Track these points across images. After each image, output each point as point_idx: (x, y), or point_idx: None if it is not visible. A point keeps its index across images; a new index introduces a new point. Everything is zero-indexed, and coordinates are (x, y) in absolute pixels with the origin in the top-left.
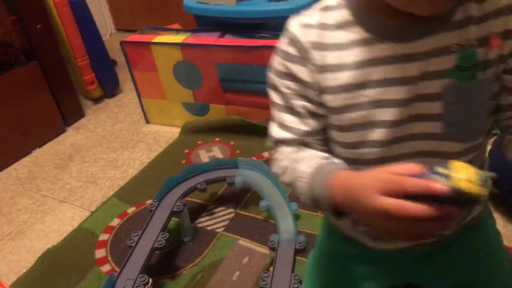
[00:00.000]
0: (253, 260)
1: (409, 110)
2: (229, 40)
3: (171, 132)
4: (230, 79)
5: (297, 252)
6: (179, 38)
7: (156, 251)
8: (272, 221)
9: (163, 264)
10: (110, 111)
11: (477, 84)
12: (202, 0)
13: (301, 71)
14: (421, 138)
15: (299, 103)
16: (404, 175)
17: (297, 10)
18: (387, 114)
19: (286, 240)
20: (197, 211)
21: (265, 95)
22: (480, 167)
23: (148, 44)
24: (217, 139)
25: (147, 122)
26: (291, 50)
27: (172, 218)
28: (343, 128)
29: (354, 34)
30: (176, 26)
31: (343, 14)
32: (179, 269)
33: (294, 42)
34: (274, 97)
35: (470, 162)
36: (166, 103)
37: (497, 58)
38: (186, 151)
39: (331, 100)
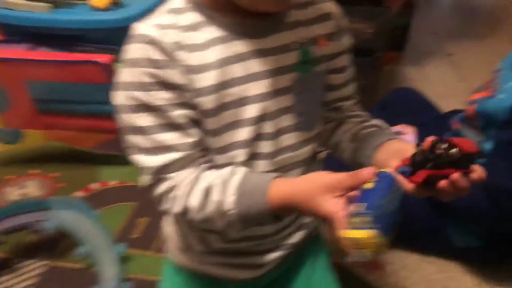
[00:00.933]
0: None
1: (273, 104)
2: (43, 53)
3: None
4: (47, 99)
5: None
6: None
7: None
8: (94, 270)
9: None
10: None
11: (313, 76)
12: (8, 6)
13: (173, 75)
14: (288, 131)
15: (178, 113)
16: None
17: (123, 21)
18: (253, 111)
19: None
20: None
21: (93, 116)
22: (314, 158)
23: None
24: (34, 171)
25: None
26: (154, 54)
27: None
28: (215, 132)
29: (210, 33)
30: None
31: (194, 17)
32: None
33: (155, 45)
34: (141, 119)
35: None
36: None
37: (325, 55)
38: None
39: (202, 102)
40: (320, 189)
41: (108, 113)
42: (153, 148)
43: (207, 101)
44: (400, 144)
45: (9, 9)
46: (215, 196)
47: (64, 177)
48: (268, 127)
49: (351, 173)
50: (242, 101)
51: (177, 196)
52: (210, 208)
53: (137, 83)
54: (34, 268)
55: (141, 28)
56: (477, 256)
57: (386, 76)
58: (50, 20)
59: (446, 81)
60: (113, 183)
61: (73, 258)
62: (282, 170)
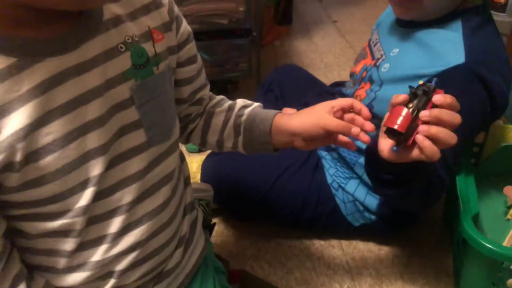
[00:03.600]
0: None
1: (112, 127)
2: None
3: None
4: None
5: None
6: None
7: None
8: None
9: None
10: None
11: (156, 78)
12: None
13: None
14: (131, 155)
15: None
16: None
17: None
18: (90, 141)
19: None
20: None
21: None
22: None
23: None
24: None
25: None
26: None
27: None
28: (46, 180)
29: None
30: None
31: None
32: None
33: None
34: None
35: (177, 157)
36: None
37: (166, 50)
38: None
39: (7, 156)
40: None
41: None
42: None
43: (21, 152)
44: (282, 119)
45: None
46: None
47: None
48: (116, 155)
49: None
50: (70, 136)
51: None
52: None
53: None
54: None
55: None
56: (375, 231)
57: (275, 53)
58: None
59: (335, 49)
60: None
61: None
62: (151, 189)
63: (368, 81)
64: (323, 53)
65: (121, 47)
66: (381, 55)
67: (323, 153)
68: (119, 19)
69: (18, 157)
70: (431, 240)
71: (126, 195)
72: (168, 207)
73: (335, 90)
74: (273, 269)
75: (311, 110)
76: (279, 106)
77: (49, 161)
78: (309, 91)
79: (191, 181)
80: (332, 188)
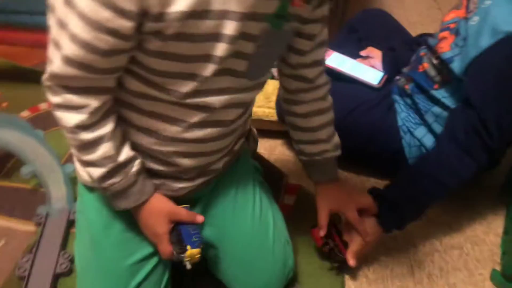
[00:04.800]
0: (11, 242)
1: (233, 47)
2: None
3: None
4: None
5: (72, 223)
6: None
7: None
8: (43, 191)
9: None
10: None
11: (282, 33)
12: None
13: None
14: (230, 74)
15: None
16: None
17: None
18: (215, 49)
19: (57, 210)
20: None
21: (38, 30)
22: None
23: None
24: None
25: None
26: None
27: None
28: (167, 57)
29: None
30: None
31: None
32: None
33: None
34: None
35: (254, 97)
36: None
37: (296, 16)
38: None
39: (165, 28)
40: (163, 212)
41: None
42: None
43: (173, 29)
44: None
45: None
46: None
47: (7, 96)
48: (221, 67)
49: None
50: (207, 36)
51: (90, 126)
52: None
53: None
54: None
55: None
56: None
57: (361, 3)
58: None
59: (421, 8)
60: None
61: (20, 179)
62: (223, 108)
63: (454, 33)
64: (409, 11)
65: None
66: (475, 7)
67: (397, 98)
68: None
69: (171, 31)
70: (483, 199)
71: (214, 101)
72: (233, 124)
73: (421, 40)
74: None
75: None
76: (362, 47)
77: (185, 46)
78: (396, 37)
79: (267, 102)
80: (400, 131)
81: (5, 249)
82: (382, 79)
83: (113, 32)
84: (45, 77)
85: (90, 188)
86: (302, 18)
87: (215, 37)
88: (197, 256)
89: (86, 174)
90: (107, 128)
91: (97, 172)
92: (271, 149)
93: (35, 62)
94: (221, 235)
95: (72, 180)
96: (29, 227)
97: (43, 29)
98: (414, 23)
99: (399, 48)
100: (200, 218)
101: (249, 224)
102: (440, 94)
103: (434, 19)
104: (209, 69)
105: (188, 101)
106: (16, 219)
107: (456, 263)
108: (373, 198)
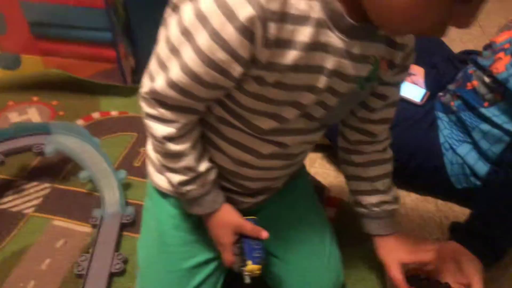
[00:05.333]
0: (70, 242)
1: (318, 98)
2: None
3: None
4: (42, 23)
5: (124, 227)
6: None
7: None
8: (97, 194)
9: None
10: None
11: (364, 92)
12: None
13: (257, 38)
14: (308, 118)
15: (238, 69)
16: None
17: None
18: (302, 98)
19: (111, 214)
20: (0, 189)
21: (92, 44)
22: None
23: None
24: (35, 98)
25: None
26: (247, 12)
27: None
28: (259, 98)
29: (313, 11)
30: None
31: None
32: None
33: (256, 5)
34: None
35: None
36: None
37: (378, 78)
38: None
39: (266, 75)
40: (230, 224)
41: (106, 40)
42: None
43: (273, 78)
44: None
45: None
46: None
47: (63, 105)
48: (304, 111)
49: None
50: (301, 87)
51: (177, 139)
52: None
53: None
54: (37, 190)
55: None
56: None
57: None
58: None
59: None
60: (113, 113)
61: (76, 182)
62: (294, 145)
63: (509, 54)
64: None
65: (371, 60)
66: None
67: (440, 115)
68: (384, 40)
69: (271, 80)
70: None
71: (287, 140)
72: (300, 156)
73: (468, 58)
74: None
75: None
76: None
77: (277, 92)
78: (437, 53)
79: None
80: (442, 148)
81: (64, 248)
82: (424, 96)
83: (223, 72)
84: (144, 90)
85: (163, 194)
86: (381, 80)
87: (308, 88)
88: (257, 272)
89: (164, 178)
90: (191, 142)
91: (177, 178)
92: (311, 162)
93: (88, 73)
94: (282, 246)
95: (124, 186)
96: (85, 228)
97: (95, 43)
98: (454, 39)
99: (442, 65)
100: (264, 234)
101: (309, 237)
102: (491, 112)
103: (474, 36)
104: (292, 113)
105: (265, 137)
106: (74, 220)
107: None
108: (459, 234)
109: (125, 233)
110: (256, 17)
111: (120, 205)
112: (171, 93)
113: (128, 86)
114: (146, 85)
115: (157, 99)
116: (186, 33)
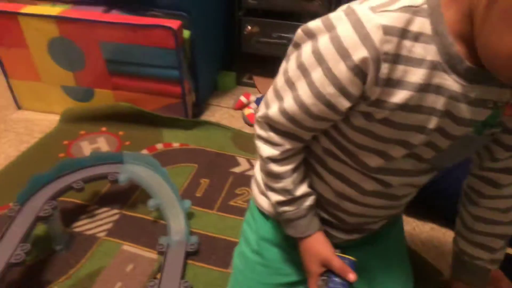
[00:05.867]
0: (138, 267)
1: (427, 139)
2: (115, 16)
3: (48, 120)
4: (117, 60)
5: (188, 255)
6: (54, 10)
7: (14, 267)
8: (162, 222)
9: (27, 280)
10: None
11: (480, 137)
12: None
13: (369, 79)
14: (416, 158)
15: (345, 104)
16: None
17: None
18: (410, 137)
19: (177, 242)
20: (75, 213)
21: (159, 80)
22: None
23: (14, 15)
24: (103, 128)
25: (18, 107)
26: (362, 52)
27: (41, 224)
28: (366, 133)
29: (427, 52)
30: None
31: (424, 23)
32: (48, 284)
33: (368, 43)
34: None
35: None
36: (42, 86)
37: (500, 123)
38: (66, 142)
39: (376, 113)
40: (319, 255)
41: (173, 78)
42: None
43: (382, 115)
44: None
45: None
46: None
47: (129, 135)
48: (411, 152)
49: (343, 267)
50: (410, 126)
51: (281, 161)
52: (278, 189)
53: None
54: (108, 215)
55: (364, 11)
56: None
57: None
58: None
59: None
60: (175, 144)
61: (144, 210)
62: (399, 186)
63: None
64: None
65: (489, 104)
66: None
67: None
68: (503, 84)
69: (380, 116)
70: None
71: (392, 180)
72: (403, 199)
73: None
74: (426, 248)
75: None
76: None
77: (384, 129)
78: None
79: None
80: None
81: (133, 273)
82: None
83: (330, 106)
84: (259, 114)
85: (265, 215)
86: (505, 127)
87: (417, 128)
88: None
89: (267, 201)
90: (291, 166)
91: (275, 197)
92: None
93: (154, 107)
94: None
95: (188, 216)
96: (152, 254)
97: (163, 80)
98: None
99: None
100: (351, 277)
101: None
102: None
103: None
104: (400, 152)
105: (371, 173)
106: (142, 246)
107: None
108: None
109: (189, 261)
110: (369, 59)
111: (185, 234)
112: (282, 119)
113: (189, 119)
114: (261, 110)
115: (269, 123)
116: (303, 69)
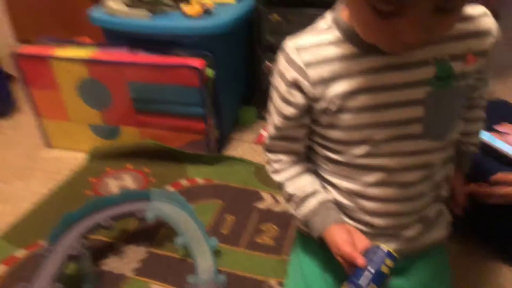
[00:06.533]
0: None
1: (397, 114)
2: (142, 57)
3: (76, 158)
4: (143, 99)
5: None
6: (84, 52)
7: None
8: (190, 260)
9: None
10: (3, 133)
11: (452, 91)
12: (111, 12)
13: (307, 86)
14: (404, 138)
15: (306, 119)
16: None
17: (215, 28)
18: (377, 117)
19: (205, 281)
20: (102, 251)
21: (183, 117)
22: (451, 160)
23: (46, 59)
24: (129, 165)
25: (48, 146)
26: (291, 71)
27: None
28: (337, 127)
29: (344, 49)
30: (85, 39)
31: (334, 34)
32: None
33: (292, 63)
34: (283, 109)
35: (445, 158)
36: (70, 125)
37: (473, 71)
38: (92, 180)
39: (330, 107)
40: (333, 245)
41: (197, 115)
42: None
43: (334, 106)
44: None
45: (112, 15)
46: (292, 205)
47: (154, 172)
48: (392, 133)
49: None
50: (366, 108)
51: (279, 172)
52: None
53: (281, 82)
54: (136, 253)
55: (287, 45)
56: None
57: None
58: (149, 26)
59: None
60: (199, 180)
61: (171, 247)
62: (402, 170)
63: None
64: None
65: (431, 61)
66: None
67: None
68: (448, 37)
69: (333, 107)
70: None
71: (388, 163)
72: (414, 187)
73: None
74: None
75: None
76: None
77: (348, 118)
78: None
79: None
80: None
81: None
82: None
83: (284, 116)
84: (263, 146)
85: (302, 235)
86: (475, 71)
87: (374, 107)
88: None
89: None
90: (288, 174)
91: (289, 206)
92: None
93: (178, 144)
94: None
95: (215, 253)
96: None
97: (187, 117)
98: None
99: None
100: (360, 261)
101: None
102: None
103: None
104: (379, 135)
105: (360, 161)
106: (170, 285)
107: None
108: None
109: None
110: (296, 73)
111: (213, 273)
112: (270, 141)
113: (213, 155)
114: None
115: (267, 148)
116: (271, 98)
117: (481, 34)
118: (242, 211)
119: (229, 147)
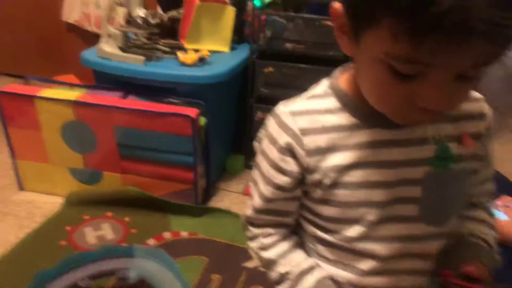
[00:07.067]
0: None
1: (393, 193)
2: (133, 102)
3: (51, 203)
4: (130, 145)
5: None
6: (72, 94)
7: None
8: None
9: None
10: None
11: (451, 175)
12: (104, 55)
13: (300, 154)
14: (400, 220)
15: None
16: None
17: (209, 78)
18: (373, 195)
19: None
20: None
21: (170, 165)
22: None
23: (31, 98)
24: (109, 213)
25: (21, 188)
26: (285, 137)
27: None
28: (330, 203)
29: (343, 119)
30: (70, 77)
31: (331, 102)
32: None
33: (286, 129)
34: (273, 176)
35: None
36: (48, 167)
37: (470, 155)
38: (68, 228)
39: (325, 180)
40: None
41: (186, 163)
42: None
43: (329, 180)
44: None
45: (106, 58)
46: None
47: (136, 222)
48: (386, 213)
49: None
50: (363, 184)
51: (268, 247)
52: (272, 272)
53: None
54: None
55: (279, 109)
56: None
57: None
58: (143, 72)
59: None
60: (183, 233)
61: None
62: (395, 258)
63: None
64: (503, 161)
65: (431, 140)
66: None
67: None
68: (444, 119)
69: (328, 181)
70: None
71: (380, 250)
72: (412, 277)
73: None
74: None
75: None
76: None
77: (342, 193)
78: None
79: None
80: None
81: None
82: None
83: (276, 186)
84: (244, 218)
85: None
86: (475, 156)
87: (372, 184)
88: None
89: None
90: (279, 250)
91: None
92: None
93: (162, 192)
94: None
95: None
96: None
97: (175, 165)
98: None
99: None
100: None
101: None
102: None
103: None
104: (372, 215)
105: (354, 245)
106: None
107: None
108: None
109: None
110: (290, 139)
111: None
112: (255, 215)
113: (198, 206)
114: (246, 213)
115: (249, 222)
116: (257, 166)
117: (475, 117)
118: (230, 270)
119: (216, 198)
